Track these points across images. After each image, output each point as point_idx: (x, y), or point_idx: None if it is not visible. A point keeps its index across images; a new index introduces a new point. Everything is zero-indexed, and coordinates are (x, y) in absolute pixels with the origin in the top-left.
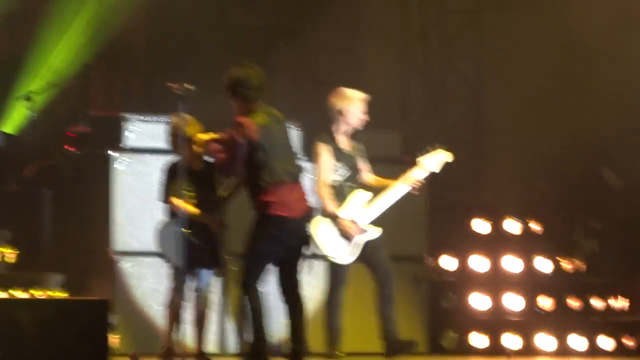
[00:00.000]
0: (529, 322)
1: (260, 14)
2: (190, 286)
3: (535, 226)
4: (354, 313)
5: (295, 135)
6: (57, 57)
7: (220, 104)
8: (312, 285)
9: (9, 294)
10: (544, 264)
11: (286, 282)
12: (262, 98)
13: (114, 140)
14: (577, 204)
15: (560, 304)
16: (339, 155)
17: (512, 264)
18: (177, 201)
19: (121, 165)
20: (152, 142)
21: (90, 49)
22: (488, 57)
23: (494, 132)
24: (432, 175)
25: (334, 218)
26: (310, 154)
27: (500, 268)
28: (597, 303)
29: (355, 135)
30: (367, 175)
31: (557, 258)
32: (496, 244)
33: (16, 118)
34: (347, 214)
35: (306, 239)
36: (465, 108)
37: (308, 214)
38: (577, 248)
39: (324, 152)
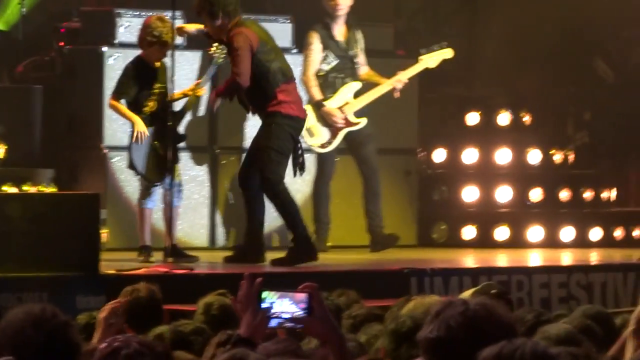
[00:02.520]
0: (519, 214)
1: None
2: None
3: (526, 118)
4: (343, 206)
5: (287, 27)
6: None
7: None
8: (302, 178)
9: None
10: (534, 156)
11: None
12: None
13: (107, 35)
14: (569, 95)
15: (551, 196)
16: (330, 43)
17: (503, 156)
18: (116, 104)
19: (114, 60)
20: None
21: None
22: None
23: (487, 24)
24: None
25: (318, 106)
26: (302, 46)
27: (491, 160)
28: (587, 194)
29: (352, 24)
30: (362, 67)
31: (548, 150)
32: (487, 136)
33: (7, 14)
34: (333, 103)
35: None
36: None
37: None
38: (568, 140)
39: (313, 41)
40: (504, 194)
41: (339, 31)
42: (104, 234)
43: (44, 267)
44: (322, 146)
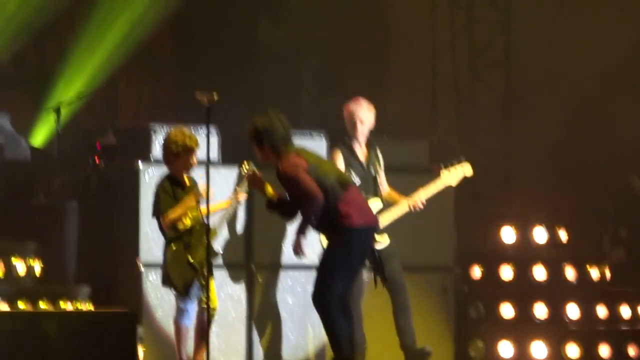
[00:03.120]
0: (556, 331)
1: (291, 26)
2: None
3: (562, 234)
4: (377, 324)
5: (322, 143)
6: (85, 69)
7: (248, 114)
8: None
9: (36, 306)
10: (570, 272)
11: (347, 293)
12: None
13: (143, 151)
14: (605, 212)
15: (587, 313)
16: (353, 162)
17: (539, 272)
18: (170, 218)
19: (149, 176)
20: None
21: (118, 62)
22: (516, 65)
23: (522, 141)
24: (460, 184)
25: None
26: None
27: (528, 277)
28: (625, 312)
29: (372, 144)
30: (382, 186)
31: (584, 266)
32: (523, 252)
33: (44, 131)
34: None
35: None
36: (493, 117)
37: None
38: (605, 256)
39: (337, 159)
40: (540, 310)
41: (360, 150)
42: (142, 351)
43: None
44: None
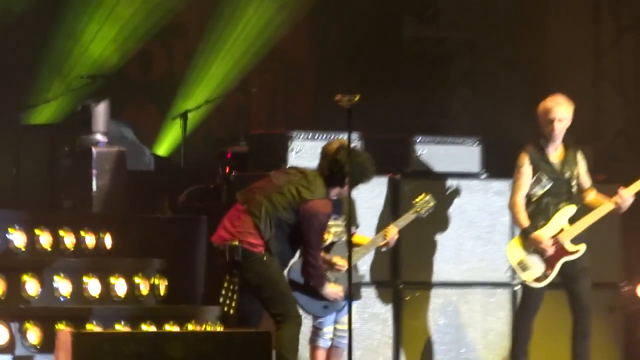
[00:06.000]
0: None
1: (438, 25)
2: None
3: None
4: (543, 343)
5: (474, 150)
6: (215, 73)
7: (388, 119)
8: (495, 315)
9: (161, 329)
10: None
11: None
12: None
13: (278, 160)
14: None
15: None
16: (543, 165)
17: None
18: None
19: None
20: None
21: (251, 64)
22: None
23: None
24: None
25: (525, 234)
26: (489, 170)
27: None
28: None
29: (570, 144)
30: (586, 190)
31: None
32: None
33: (170, 139)
34: (547, 231)
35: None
36: None
37: (223, 241)
38: None
39: (523, 163)
40: None
41: (555, 152)
42: None
43: None
44: (538, 280)
